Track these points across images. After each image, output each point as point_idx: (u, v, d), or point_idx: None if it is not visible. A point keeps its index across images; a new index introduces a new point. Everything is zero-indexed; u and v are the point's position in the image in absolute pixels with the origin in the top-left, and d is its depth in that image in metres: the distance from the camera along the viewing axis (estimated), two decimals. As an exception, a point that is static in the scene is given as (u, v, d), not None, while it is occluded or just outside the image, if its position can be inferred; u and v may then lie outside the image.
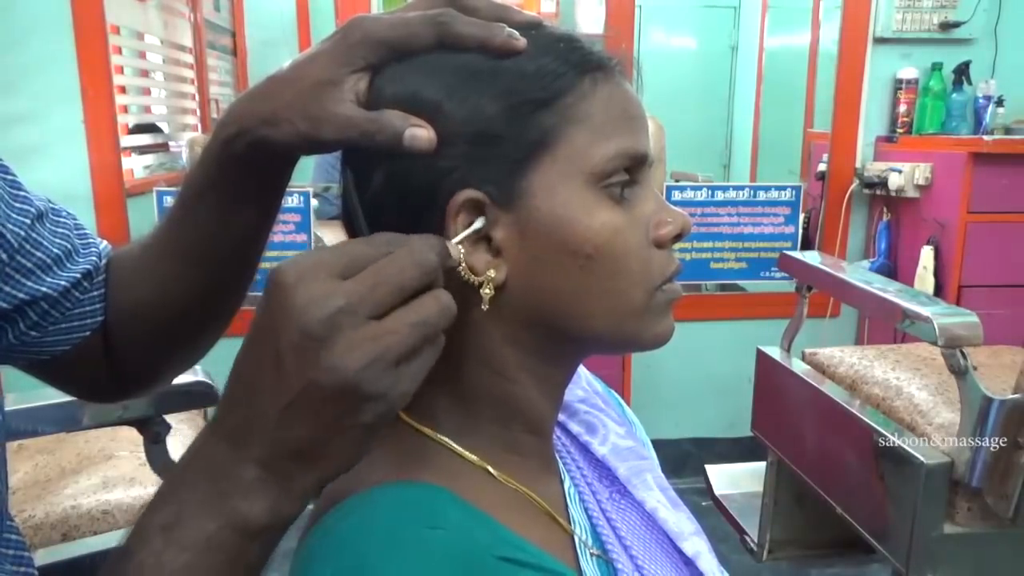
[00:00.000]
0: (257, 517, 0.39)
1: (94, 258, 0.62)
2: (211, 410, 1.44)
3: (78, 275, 0.60)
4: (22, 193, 0.57)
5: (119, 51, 2.42)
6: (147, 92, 2.83)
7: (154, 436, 1.14)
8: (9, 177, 0.57)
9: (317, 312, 0.37)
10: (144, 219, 2.22)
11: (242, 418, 0.39)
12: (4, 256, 0.55)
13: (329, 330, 0.37)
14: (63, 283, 0.58)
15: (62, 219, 0.61)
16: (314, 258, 0.39)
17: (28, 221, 0.57)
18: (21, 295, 0.56)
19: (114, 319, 0.62)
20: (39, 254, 0.57)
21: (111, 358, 0.63)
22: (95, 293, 0.61)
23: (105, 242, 0.65)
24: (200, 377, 1.15)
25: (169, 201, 2.20)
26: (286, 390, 0.38)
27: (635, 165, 0.48)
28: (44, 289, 0.57)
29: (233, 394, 0.40)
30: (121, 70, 2.45)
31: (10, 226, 0.55)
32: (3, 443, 0.52)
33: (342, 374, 0.37)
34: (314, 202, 2.40)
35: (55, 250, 0.59)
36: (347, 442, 0.39)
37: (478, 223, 0.46)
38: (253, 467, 0.39)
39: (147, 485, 1.28)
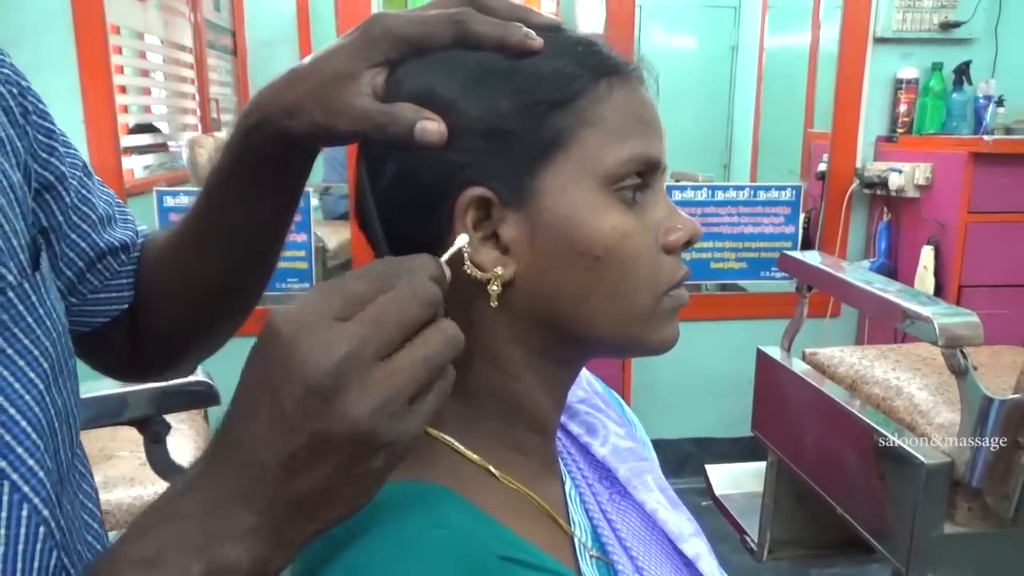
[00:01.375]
0: (245, 566, 0.37)
1: (131, 233, 0.63)
2: (212, 410, 1.45)
3: (116, 243, 0.61)
4: (72, 151, 0.59)
5: (119, 51, 2.42)
6: (147, 92, 2.83)
7: (154, 436, 1.14)
8: (62, 138, 0.58)
9: (322, 363, 0.35)
10: (144, 219, 2.20)
11: (240, 468, 0.37)
12: (67, 199, 0.57)
13: (336, 380, 0.35)
14: (102, 245, 0.60)
15: (106, 187, 0.63)
16: (309, 304, 0.37)
17: (79, 174, 0.59)
18: (84, 244, 0.58)
19: (141, 300, 0.63)
20: (85, 209, 0.59)
21: (136, 339, 0.64)
22: (130, 268, 0.62)
23: (144, 226, 0.66)
24: (200, 377, 1.15)
25: (169, 201, 2.22)
26: (288, 443, 0.36)
27: (648, 170, 0.48)
28: (84, 244, 0.59)
29: (227, 447, 0.38)
30: (121, 70, 2.45)
31: (70, 172, 0.57)
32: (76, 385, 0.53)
33: (353, 422, 0.35)
34: (315, 201, 2.41)
35: (100, 211, 0.60)
36: (354, 491, 0.38)
37: (460, 241, 0.45)
38: (250, 515, 0.37)
39: (147, 485, 1.28)
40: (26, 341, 0.46)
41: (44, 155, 0.55)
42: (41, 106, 0.56)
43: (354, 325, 0.36)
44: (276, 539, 0.38)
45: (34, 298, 0.47)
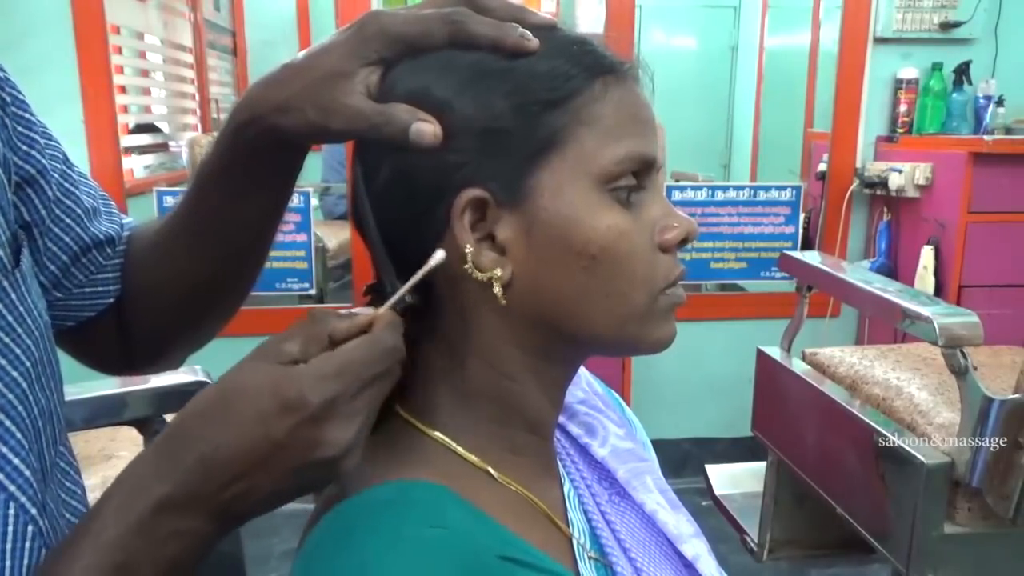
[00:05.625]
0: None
1: (116, 226, 0.62)
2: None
3: (101, 237, 0.60)
4: (52, 143, 0.58)
5: (119, 51, 2.41)
6: (147, 92, 2.83)
7: (154, 436, 1.13)
8: (42, 130, 0.57)
9: (336, 446, 0.42)
10: (144, 219, 2.22)
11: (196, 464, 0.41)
12: (49, 192, 0.56)
13: (343, 451, 0.42)
14: (86, 238, 0.59)
15: (87, 179, 0.62)
16: (336, 389, 0.41)
17: (61, 167, 0.58)
18: (67, 238, 0.58)
19: (128, 294, 0.62)
20: (68, 202, 0.58)
21: (123, 332, 0.63)
22: (116, 261, 0.62)
23: (130, 218, 0.65)
24: (200, 377, 1.15)
25: (169, 201, 2.22)
26: (258, 451, 0.41)
27: (643, 169, 0.48)
28: (67, 239, 0.58)
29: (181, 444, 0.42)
30: (121, 70, 2.45)
31: (51, 165, 0.56)
32: (61, 388, 0.54)
33: (337, 445, 0.42)
34: (315, 201, 2.41)
35: (84, 204, 0.59)
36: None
37: (437, 257, 0.46)
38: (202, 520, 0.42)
39: (147, 485, 1.27)
40: (7, 340, 0.46)
41: (24, 148, 0.54)
42: (20, 97, 0.54)
43: (341, 377, 0.42)
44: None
45: (14, 296, 0.47)
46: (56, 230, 0.57)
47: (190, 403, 0.43)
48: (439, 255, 0.46)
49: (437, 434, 0.50)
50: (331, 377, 0.41)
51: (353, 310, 0.45)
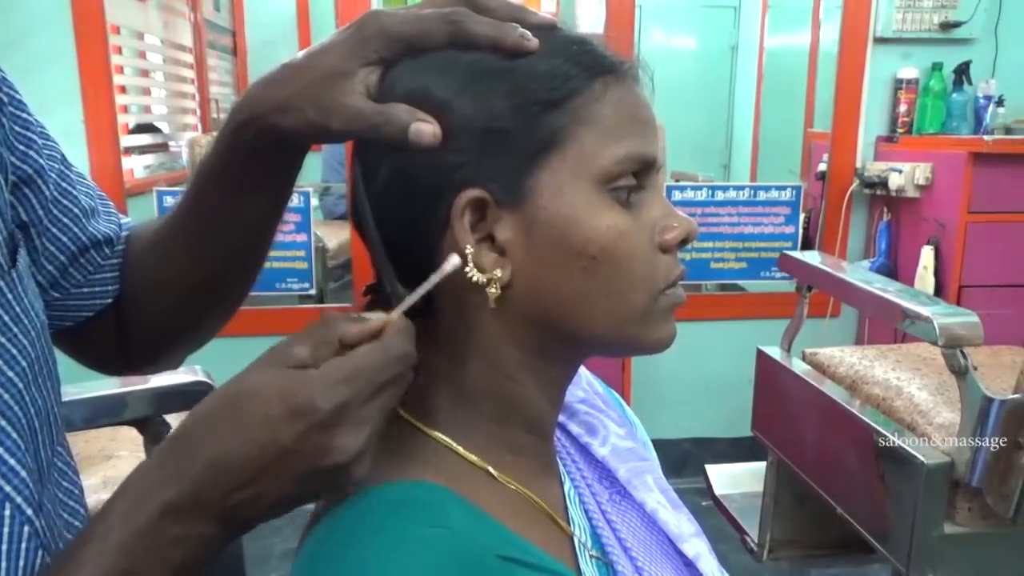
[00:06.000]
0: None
1: (115, 226, 0.62)
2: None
3: (99, 237, 0.60)
4: (50, 143, 0.58)
5: (119, 51, 2.41)
6: (147, 92, 2.83)
7: (154, 436, 1.14)
8: (40, 129, 0.57)
9: (346, 453, 0.41)
10: (144, 219, 2.22)
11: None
12: (46, 192, 0.56)
13: (352, 458, 0.42)
14: (84, 238, 0.59)
15: (85, 179, 0.62)
16: (346, 395, 0.41)
17: (59, 167, 0.58)
18: (65, 238, 0.57)
19: (127, 294, 0.62)
20: (66, 202, 0.58)
21: (122, 332, 0.63)
22: (115, 261, 0.62)
23: (127, 218, 0.65)
24: (200, 377, 1.15)
25: (169, 201, 2.22)
26: (266, 455, 0.41)
27: (643, 169, 0.48)
28: (65, 239, 0.58)
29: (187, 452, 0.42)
30: (121, 70, 2.45)
31: (49, 165, 0.56)
32: (58, 389, 0.54)
33: (346, 453, 0.42)
34: (315, 201, 2.41)
35: (82, 203, 0.59)
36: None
37: (451, 262, 0.45)
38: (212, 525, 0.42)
39: (147, 485, 1.27)
40: (2, 339, 0.45)
41: (21, 147, 0.54)
42: (18, 97, 0.54)
43: (351, 383, 0.41)
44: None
45: (10, 295, 0.47)
46: (54, 230, 0.57)
47: (196, 407, 0.43)
48: (454, 260, 0.45)
49: (438, 434, 0.50)
50: (341, 382, 0.41)
51: (364, 315, 0.45)
